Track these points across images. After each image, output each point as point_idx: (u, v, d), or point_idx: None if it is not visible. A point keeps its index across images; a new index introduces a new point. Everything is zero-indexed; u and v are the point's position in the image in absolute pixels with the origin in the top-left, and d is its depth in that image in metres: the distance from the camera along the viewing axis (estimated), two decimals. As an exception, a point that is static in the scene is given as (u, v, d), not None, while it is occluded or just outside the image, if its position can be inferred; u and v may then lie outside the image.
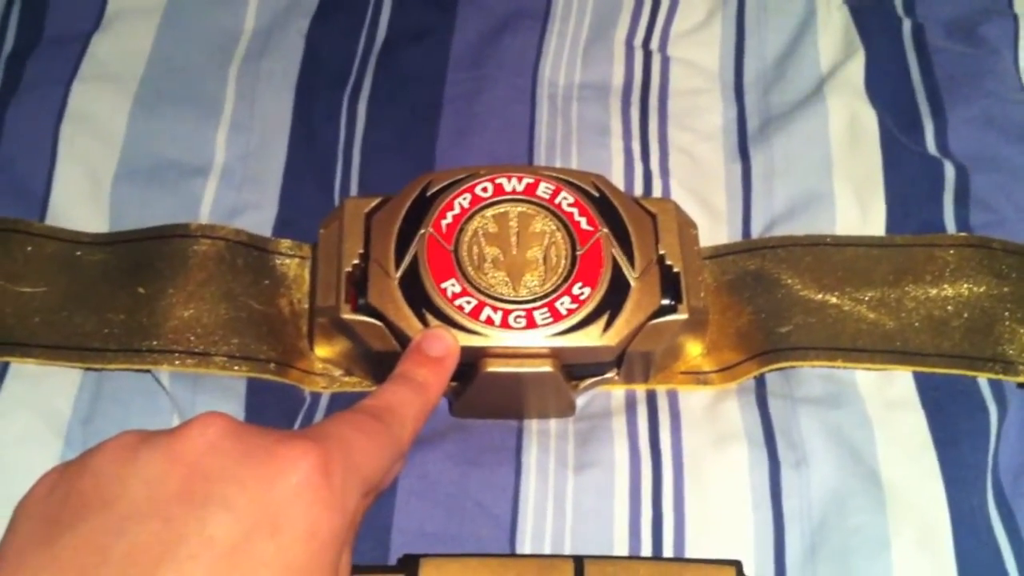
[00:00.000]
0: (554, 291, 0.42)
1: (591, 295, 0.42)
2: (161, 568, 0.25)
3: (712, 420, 0.44)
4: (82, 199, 0.48)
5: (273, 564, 0.26)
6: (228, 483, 0.27)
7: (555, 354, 0.41)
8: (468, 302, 0.41)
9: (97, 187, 0.48)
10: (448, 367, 0.39)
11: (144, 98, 0.51)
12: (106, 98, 0.51)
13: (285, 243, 0.47)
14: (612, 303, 0.42)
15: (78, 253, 0.46)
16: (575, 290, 0.42)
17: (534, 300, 0.42)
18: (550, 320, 0.41)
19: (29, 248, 0.46)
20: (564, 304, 0.42)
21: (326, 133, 0.51)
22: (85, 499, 0.27)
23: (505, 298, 0.42)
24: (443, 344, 0.39)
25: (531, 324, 0.41)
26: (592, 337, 0.41)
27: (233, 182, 0.49)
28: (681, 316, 0.42)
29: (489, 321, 0.41)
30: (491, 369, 0.41)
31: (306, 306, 0.46)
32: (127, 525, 0.26)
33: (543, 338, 0.41)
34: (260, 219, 0.48)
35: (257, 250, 0.47)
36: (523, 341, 0.41)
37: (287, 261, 0.47)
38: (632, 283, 0.42)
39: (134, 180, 0.49)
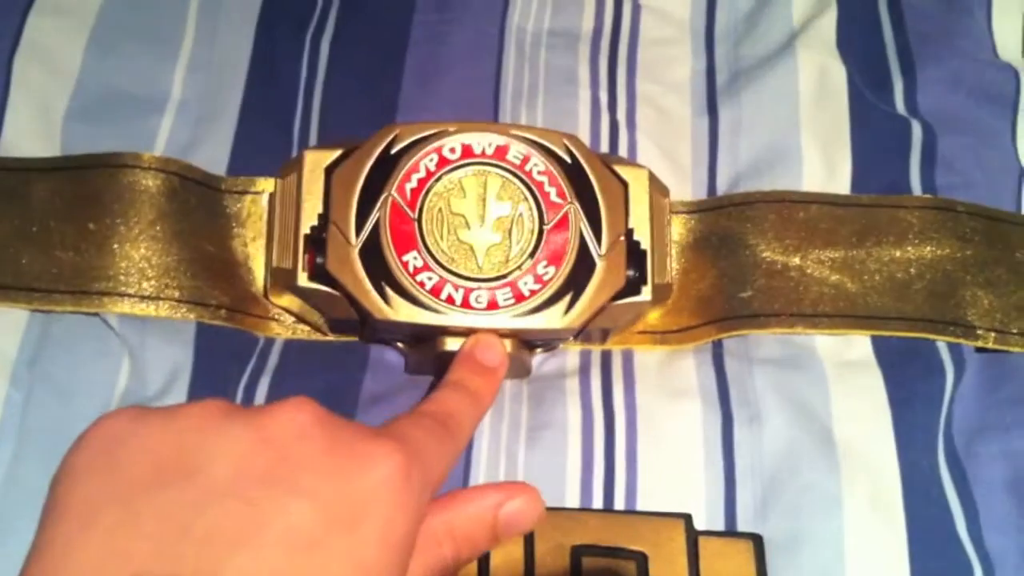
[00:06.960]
0: (518, 268, 0.41)
1: (555, 275, 0.41)
2: (239, 553, 0.24)
3: (667, 376, 0.44)
4: (33, 134, 0.47)
5: (346, 561, 0.25)
6: (314, 473, 0.26)
7: (515, 335, 0.41)
8: (429, 278, 0.40)
9: (49, 122, 0.47)
10: (500, 377, 0.39)
11: (101, 32, 0.49)
12: (62, 31, 0.49)
13: (238, 180, 0.46)
14: (576, 283, 0.41)
15: (26, 185, 0.44)
16: (539, 270, 0.41)
17: (497, 279, 0.41)
18: (512, 302, 0.41)
19: None
20: (527, 284, 0.41)
21: (287, 73, 0.50)
22: (165, 464, 0.26)
23: (467, 275, 0.41)
24: (496, 354, 0.39)
25: (492, 305, 0.40)
26: (553, 319, 0.41)
27: (188, 119, 0.48)
28: (644, 298, 0.42)
29: (450, 300, 0.40)
30: (449, 348, 0.40)
31: (260, 246, 0.45)
32: (209, 501, 0.25)
33: (504, 319, 0.40)
34: (214, 157, 0.47)
35: (210, 188, 0.45)
36: (483, 323, 0.40)
37: (240, 199, 0.46)
38: (598, 262, 0.41)
39: (87, 115, 0.47)
